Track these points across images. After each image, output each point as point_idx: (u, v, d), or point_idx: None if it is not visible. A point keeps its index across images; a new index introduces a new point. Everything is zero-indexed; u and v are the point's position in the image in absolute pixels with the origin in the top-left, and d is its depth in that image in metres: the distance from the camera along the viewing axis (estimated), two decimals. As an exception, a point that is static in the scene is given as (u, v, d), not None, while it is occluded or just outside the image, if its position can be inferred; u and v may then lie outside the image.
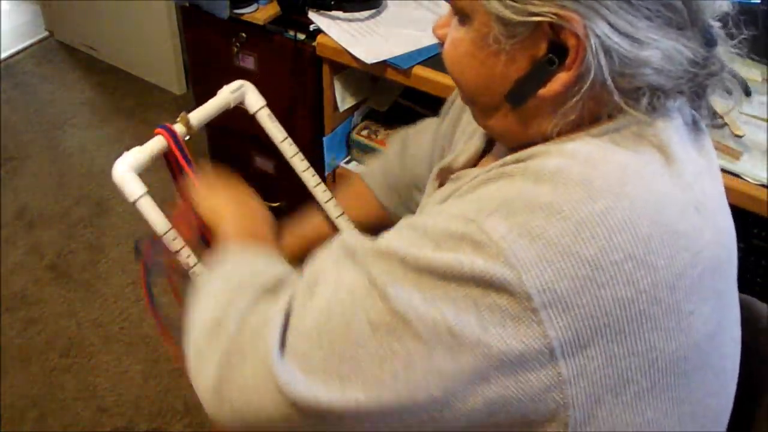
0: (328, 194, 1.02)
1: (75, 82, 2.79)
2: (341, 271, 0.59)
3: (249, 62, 1.68)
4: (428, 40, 1.43)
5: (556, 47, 0.57)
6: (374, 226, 1.03)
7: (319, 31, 1.49)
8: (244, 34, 1.64)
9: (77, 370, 1.82)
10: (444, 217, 0.57)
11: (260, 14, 1.57)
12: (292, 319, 0.59)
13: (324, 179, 1.71)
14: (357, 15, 1.51)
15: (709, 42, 0.59)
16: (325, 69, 1.53)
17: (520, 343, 0.52)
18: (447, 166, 0.82)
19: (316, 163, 1.69)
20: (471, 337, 0.52)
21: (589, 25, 0.54)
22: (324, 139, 1.62)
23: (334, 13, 1.51)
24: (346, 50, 1.42)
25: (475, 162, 0.80)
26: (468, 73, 0.65)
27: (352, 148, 1.69)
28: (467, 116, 0.88)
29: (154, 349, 1.87)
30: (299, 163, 1.01)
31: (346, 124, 1.66)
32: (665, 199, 0.56)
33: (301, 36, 1.54)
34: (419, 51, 1.40)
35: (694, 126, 0.65)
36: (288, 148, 1.00)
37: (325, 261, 0.63)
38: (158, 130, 0.91)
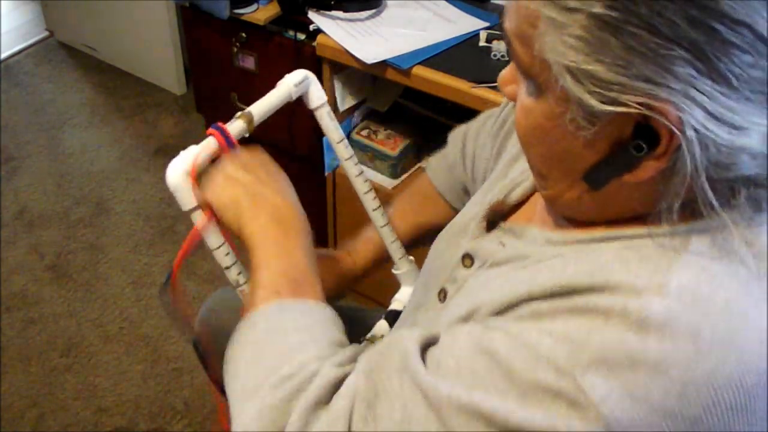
0: (377, 202, 0.99)
1: (75, 82, 2.79)
2: (411, 407, 0.55)
3: (249, 62, 1.68)
4: (428, 40, 1.44)
5: (644, 131, 0.51)
6: (439, 228, 1.00)
7: (319, 31, 1.49)
8: (244, 34, 1.64)
9: (77, 370, 1.82)
10: (530, 355, 0.52)
11: (260, 14, 1.57)
12: None
13: (324, 179, 1.71)
14: (357, 15, 1.51)
15: None
16: (325, 69, 1.53)
17: None
18: (500, 201, 0.76)
19: (317, 163, 1.70)
20: None
21: (685, 116, 0.48)
22: (324, 139, 1.62)
23: (334, 13, 1.51)
24: (346, 50, 1.42)
25: (528, 195, 0.75)
26: (539, 148, 0.59)
27: (352, 148, 1.69)
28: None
29: (154, 349, 1.87)
30: (352, 168, 0.97)
31: (346, 124, 1.66)
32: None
33: (301, 36, 1.54)
34: (419, 51, 1.40)
35: None
36: (344, 151, 0.96)
37: (388, 377, 0.57)
38: (210, 130, 0.80)
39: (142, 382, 1.80)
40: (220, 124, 0.81)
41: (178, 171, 0.75)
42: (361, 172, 0.97)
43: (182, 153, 0.77)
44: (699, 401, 0.50)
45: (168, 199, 2.28)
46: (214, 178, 0.75)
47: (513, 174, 0.78)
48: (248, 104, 0.98)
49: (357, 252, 1.03)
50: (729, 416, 0.51)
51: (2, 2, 3.13)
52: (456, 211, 0.95)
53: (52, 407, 1.74)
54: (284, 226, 0.72)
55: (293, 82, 0.88)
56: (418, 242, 1.03)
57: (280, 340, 0.63)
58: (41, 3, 2.96)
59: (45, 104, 2.67)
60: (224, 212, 0.73)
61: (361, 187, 0.98)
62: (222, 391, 1.24)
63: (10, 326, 1.92)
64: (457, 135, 1.02)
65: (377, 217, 0.99)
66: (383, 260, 1.04)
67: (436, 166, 1.05)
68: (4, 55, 2.89)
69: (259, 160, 0.78)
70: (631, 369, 0.49)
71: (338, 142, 0.96)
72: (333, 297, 0.89)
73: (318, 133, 1.68)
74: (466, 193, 1.00)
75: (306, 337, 0.64)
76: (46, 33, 3.02)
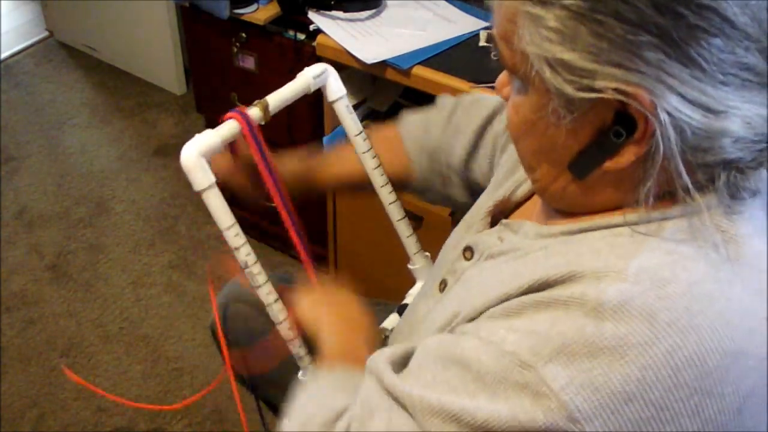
0: (394, 195, 0.99)
1: (75, 82, 2.79)
2: (394, 417, 0.59)
3: (249, 62, 1.68)
4: (428, 40, 1.44)
5: (623, 118, 0.52)
6: (393, 177, 1.01)
7: (319, 31, 1.49)
8: (244, 34, 1.64)
9: (77, 370, 1.82)
10: (496, 352, 0.54)
11: (260, 14, 1.57)
12: None
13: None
14: (357, 15, 1.51)
15: None
16: (325, 69, 1.53)
17: None
18: (505, 199, 0.79)
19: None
20: None
21: (658, 101, 0.50)
22: (324, 139, 1.62)
23: (334, 13, 1.51)
24: (346, 50, 1.42)
25: (533, 193, 0.78)
26: (527, 141, 0.62)
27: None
28: None
29: (154, 349, 1.87)
30: (370, 161, 0.97)
31: (346, 124, 1.66)
32: (735, 320, 0.52)
33: (301, 36, 1.54)
34: (419, 51, 1.40)
35: None
36: (362, 144, 0.96)
37: (371, 396, 0.62)
38: (231, 114, 0.81)
39: (142, 382, 1.80)
40: (240, 108, 0.82)
41: (192, 152, 0.77)
42: (379, 165, 0.98)
43: (197, 135, 0.79)
44: (659, 384, 0.50)
45: (168, 199, 2.29)
46: (302, 301, 0.87)
47: (521, 171, 0.80)
48: (248, 104, 0.98)
49: (323, 170, 1.03)
50: (695, 399, 0.51)
51: (2, 2, 3.13)
52: (411, 164, 1.01)
53: (52, 407, 1.74)
54: (351, 324, 0.84)
55: (312, 75, 0.90)
56: (367, 187, 1.02)
57: (323, 391, 0.73)
58: (41, 3, 2.96)
59: (45, 104, 2.67)
60: (310, 325, 0.85)
61: (378, 180, 0.98)
62: (236, 376, 1.25)
63: (10, 326, 1.92)
64: (447, 101, 1.02)
65: (393, 210, 1.00)
66: (348, 189, 1.09)
67: (411, 121, 1.04)
68: (4, 55, 2.89)
69: (337, 287, 0.90)
70: (590, 356, 0.51)
71: (356, 135, 0.96)
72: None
73: (318, 133, 1.68)
74: (431, 158, 1.00)
75: (340, 391, 0.71)
76: (46, 33, 3.01)
